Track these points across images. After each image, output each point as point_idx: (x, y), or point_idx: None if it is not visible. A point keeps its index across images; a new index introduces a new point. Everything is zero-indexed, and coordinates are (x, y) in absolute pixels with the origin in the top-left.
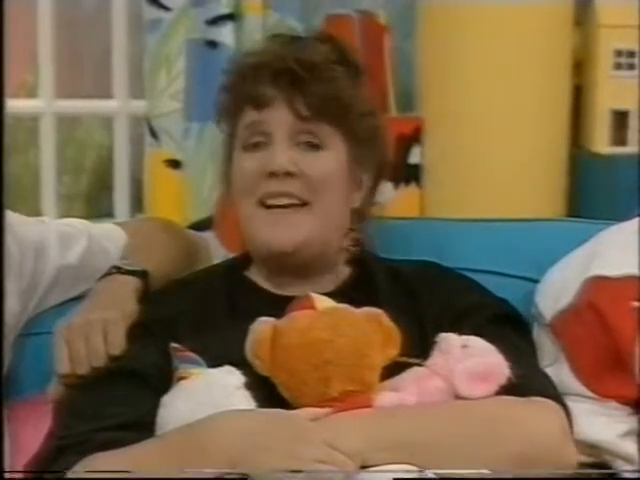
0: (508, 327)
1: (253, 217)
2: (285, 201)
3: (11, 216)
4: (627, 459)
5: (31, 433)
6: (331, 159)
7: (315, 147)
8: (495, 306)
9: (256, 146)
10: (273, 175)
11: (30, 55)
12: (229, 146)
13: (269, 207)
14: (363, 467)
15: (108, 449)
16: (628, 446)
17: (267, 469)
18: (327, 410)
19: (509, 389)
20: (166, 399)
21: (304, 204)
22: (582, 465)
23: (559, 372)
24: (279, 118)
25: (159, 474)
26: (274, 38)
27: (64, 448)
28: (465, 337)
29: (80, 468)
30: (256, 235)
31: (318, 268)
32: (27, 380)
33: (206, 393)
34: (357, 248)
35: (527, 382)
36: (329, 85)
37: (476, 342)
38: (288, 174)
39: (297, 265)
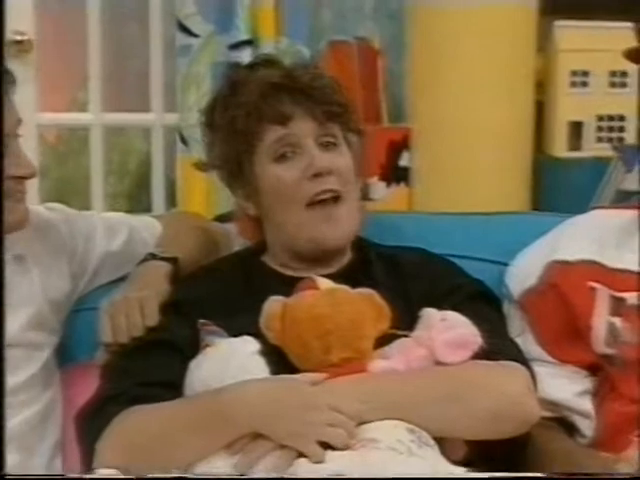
0: (483, 303)
1: (302, 220)
2: (329, 195)
3: (65, 210)
4: (583, 414)
5: (82, 393)
6: (346, 154)
7: (333, 145)
8: (472, 285)
9: (284, 157)
10: (318, 176)
11: (81, 76)
12: (247, 161)
13: (312, 207)
14: (359, 424)
15: (141, 402)
16: (584, 403)
17: (282, 433)
18: (324, 375)
19: (482, 355)
20: (193, 363)
21: (339, 197)
22: (544, 419)
23: (525, 341)
24: (304, 128)
25: (186, 434)
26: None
27: (106, 400)
28: (444, 312)
29: (120, 419)
30: (307, 235)
31: (336, 254)
32: (78, 349)
33: (227, 357)
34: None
35: (498, 349)
36: (333, 92)
37: (453, 316)
38: (329, 172)
39: (325, 256)
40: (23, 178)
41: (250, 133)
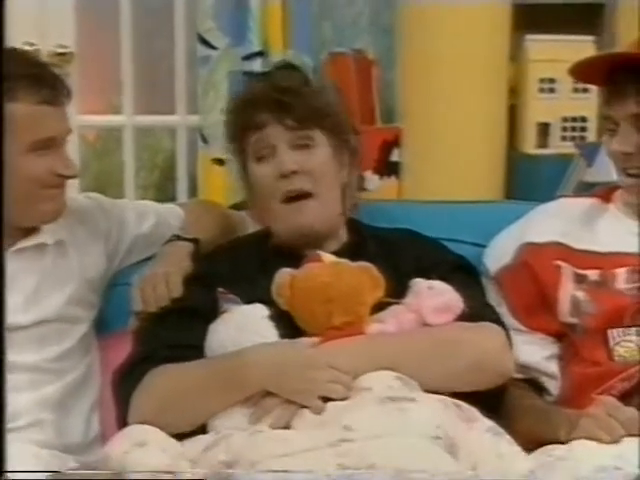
0: (465, 274)
1: (278, 212)
2: (297, 193)
3: (102, 199)
4: (550, 376)
5: (117, 358)
6: (321, 154)
7: (307, 146)
8: (456, 260)
9: (264, 157)
10: (285, 176)
11: (116, 83)
12: (242, 159)
13: (287, 202)
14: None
15: (169, 362)
16: (551, 366)
17: (288, 390)
18: (320, 338)
19: (464, 318)
20: (212, 327)
21: (310, 195)
22: (517, 380)
23: (500, 312)
24: (275, 134)
25: (206, 392)
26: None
27: (138, 361)
28: (431, 282)
29: (150, 377)
30: (283, 226)
31: (325, 235)
32: (113, 320)
33: (240, 321)
34: (351, 212)
35: (477, 312)
36: (310, 101)
37: (439, 285)
38: (293, 172)
39: (312, 240)
40: (67, 177)
41: (237, 138)
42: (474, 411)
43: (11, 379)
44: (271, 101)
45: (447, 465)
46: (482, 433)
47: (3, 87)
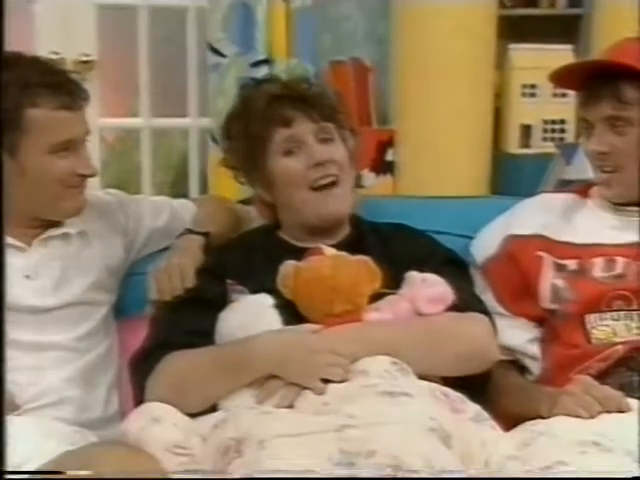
0: (455, 267)
1: (307, 200)
2: (329, 180)
3: (120, 195)
4: (532, 357)
5: (134, 341)
6: (340, 146)
7: (330, 140)
8: (446, 253)
9: (291, 152)
10: (318, 165)
11: (134, 88)
12: (259, 156)
13: (317, 190)
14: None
15: (182, 348)
16: (533, 349)
17: (291, 373)
18: (321, 325)
19: (454, 308)
20: (222, 315)
21: (337, 182)
22: (502, 362)
23: (486, 299)
24: (304, 128)
25: (217, 375)
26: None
27: (154, 346)
28: (424, 274)
29: (165, 362)
30: (311, 213)
31: (334, 228)
32: (131, 306)
33: (248, 309)
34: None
35: (466, 303)
36: (325, 98)
37: (432, 277)
38: (327, 161)
39: (328, 228)
40: (86, 176)
41: (262, 135)
42: (461, 398)
43: (40, 357)
44: (296, 96)
45: (443, 455)
46: (467, 422)
47: (2, 91)
